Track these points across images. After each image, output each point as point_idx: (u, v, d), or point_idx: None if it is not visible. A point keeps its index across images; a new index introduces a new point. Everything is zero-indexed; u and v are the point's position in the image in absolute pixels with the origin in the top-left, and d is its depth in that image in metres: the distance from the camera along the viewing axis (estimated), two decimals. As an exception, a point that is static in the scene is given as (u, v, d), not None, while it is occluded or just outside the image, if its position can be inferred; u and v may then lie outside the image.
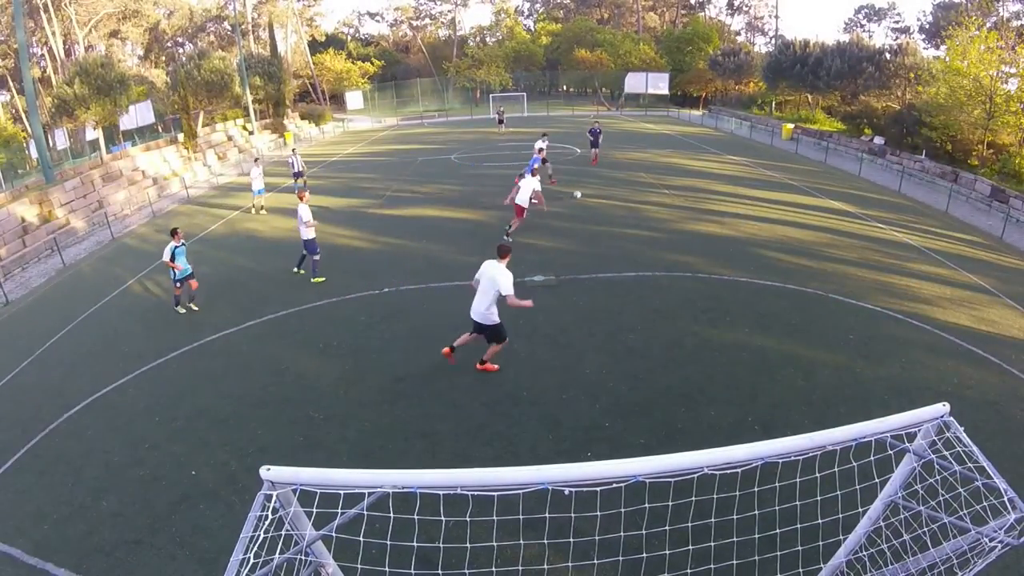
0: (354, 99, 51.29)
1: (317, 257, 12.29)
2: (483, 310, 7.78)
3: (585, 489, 2.39)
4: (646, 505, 2.72)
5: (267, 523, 2.68)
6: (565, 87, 62.84)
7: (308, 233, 12.00)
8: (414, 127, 45.15)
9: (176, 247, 10.82)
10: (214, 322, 10.67)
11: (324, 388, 8.30)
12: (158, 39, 54.03)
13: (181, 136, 30.39)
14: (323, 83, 56.45)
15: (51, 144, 26.22)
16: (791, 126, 32.26)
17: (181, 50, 55.36)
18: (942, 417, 3.05)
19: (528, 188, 13.88)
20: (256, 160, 20.03)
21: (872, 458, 3.13)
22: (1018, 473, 5.89)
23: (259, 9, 55.79)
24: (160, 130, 33.29)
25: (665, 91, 48.39)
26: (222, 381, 8.70)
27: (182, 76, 31.06)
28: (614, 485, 2.39)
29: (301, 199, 12.15)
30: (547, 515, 2.54)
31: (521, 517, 2.51)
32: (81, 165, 24.65)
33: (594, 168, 22.90)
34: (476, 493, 2.31)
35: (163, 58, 54.20)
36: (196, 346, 9.85)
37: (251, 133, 36.74)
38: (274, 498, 2.73)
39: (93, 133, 27.63)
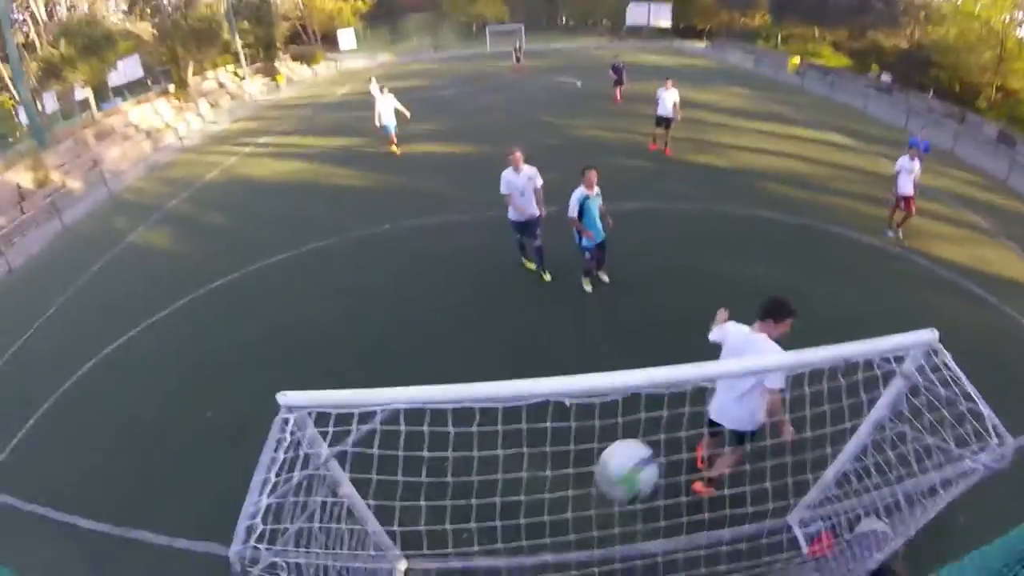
0: (346, 38, 49.42)
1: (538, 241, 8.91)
2: (739, 411, 4.48)
3: (584, 401, 2.54)
4: (642, 415, 2.88)
5: (285, 445, 2.85)
6: (564, 19, 60.70)
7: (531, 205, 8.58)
8: (409, 64, 43.95)
9: (588, 197, 7.69)
10: (218, 268, 10.76)
11: (330, 328, 8.48)
12: (142, -12, 52.14)
13: (172, 87, 29.82)
14: (313, 24, 54.71)
15: (41, 108, 25.80)
16: (797, 59, 31.18)
17: (166, 0, 53.52)
18: (930, 342, 3.15)
19: (908, 175, 10.14)
20: (382, 88, 16.83)
21: (860, 377, 3.25)
22: (1002, 405, 6.06)
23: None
24: (150, 83, 32.63)
25: (668, 23, 46.68)
26: (229, 327, 8.89)
27: (169, 27, 30.23)
28: (610, 398, 2.54)
29: (514, 160, 8.30)
30: (548, 424, 2.70)
31: (524, 426, 2.67)
32: (73, 126, 24.31)
33: (601, 101, 22.28)
34: (482, 406, 2.47)
35: (148, 10, 52.46)
36: (201, 293, 9.99)
37: (242, 79, 35.99)
38: (291, 421, 2.88)
39: (82, 93, 27.13)
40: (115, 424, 7.18)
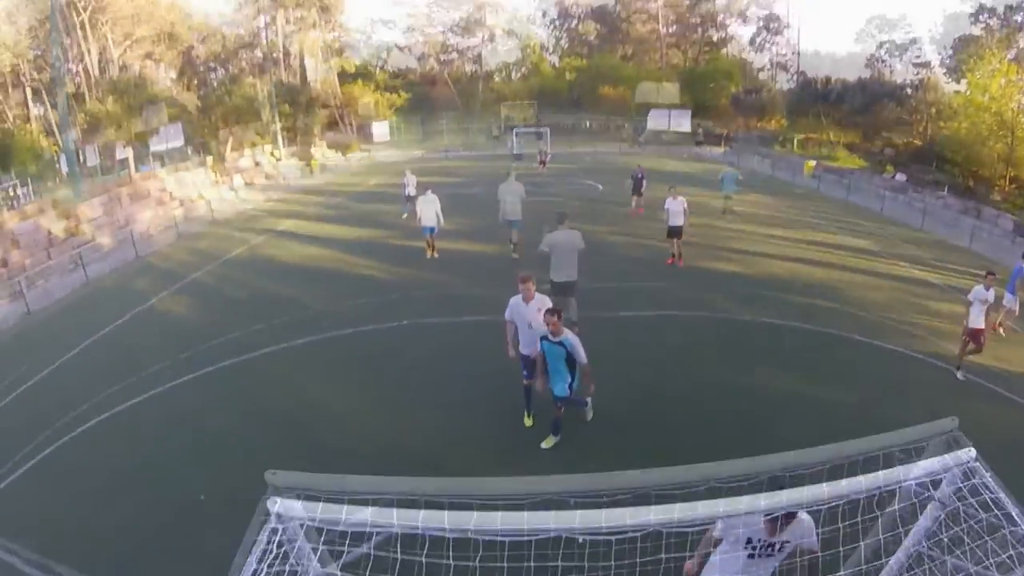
0: (380, 131, 52.11)
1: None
2: None
3: (600, 537, 2.32)
4: (662, 556, 2.63)
5: (271, 557, 2.64)
6: (588, 123, 63.31)
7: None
8: (439, 160, 45.58)
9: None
10: (232, 346, 10.73)
11: (337, 418, 8.29)
12: (191, 63, 55.80)
13: (209, 160, 31.14)
14: (351, 114, 57.63)
15: (82, 160, 27.00)
16: (813, 163, 32.08)
17: (213, 75, 57.10)
18: (968, 463, 2.94)
19: (982, 306, 8.80)
20: (427, 189, 15.86)
21: (897, 507, 3.01)
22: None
23: (291, 39, 57.48)
24: (189, 152, 34.24)
25: (687, 128, 48.47)
26: (237, 405, 8.73)
27: (213, 100, 32.02)
28: (629, 534, 2.32)
29: (526, 288, 7.21)
30: (559, 564, 2.47)
31: (532, 564, 2.43)
32: (110, 183, 25.31)
33: (621, 205, 22.21)
34: (486, 539, 2.26)
35: (195, 82, 55.92)
36: (214, 369, 9.90)
37: (278, 160, 37.54)
38: (280, 531, 2.69)
39: (123, 152, 28.50)
40: (107, 485, 6.97)
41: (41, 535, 6.11)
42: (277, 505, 2.63)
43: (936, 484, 3.02)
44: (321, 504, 2.59)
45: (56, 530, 6.20)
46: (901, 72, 53.55)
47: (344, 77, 60.70)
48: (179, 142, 31.55)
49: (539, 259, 10.12)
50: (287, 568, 2.68)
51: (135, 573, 5.60)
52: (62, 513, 6.51)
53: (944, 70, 48.30)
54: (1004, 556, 2.85)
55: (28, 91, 43.39)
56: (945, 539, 3.19)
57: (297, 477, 2.64)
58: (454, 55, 71.15)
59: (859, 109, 32.49)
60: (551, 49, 73.07)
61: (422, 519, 2.34)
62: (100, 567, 5.64)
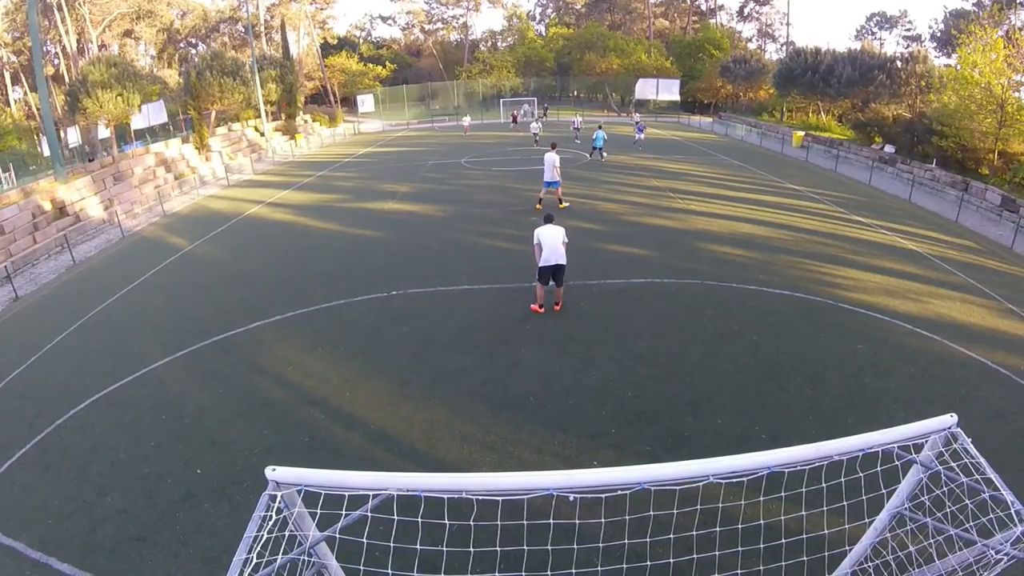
0: (365, 102, 51.77)
1: None
2: None
3: (590, 496, 2.38)
4: (651, 513, 2.70)
5: (271, 523, 2.69)
6: (575, 92, 62.98)
7: None
8: (425, 130, 45.31)
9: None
10: (222, 322, 10.71)
11: (330, 390, 8.31)
12: (172, 39, 54.56)
13: (193, 136, 30.66)
14: (335, 86, 56.84)
15: (63, 142, 26.47)
16: (801, 134, 32.12)
17: (194, 51, 55.93)
18: (950, 428, 3.02)
19: None
20: (553, 146, 17.39)
21: (879, 468, 3.10)
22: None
23: (272, 11, 56.25)
24: (171, 129, 33.61)
25: (676, 97, 48.29)
26: (229, 381, 8.73)
27: (194, 76, 31.36)
28: (619, 492, 2.38)
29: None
30: (551, 521, 2.53)
31: (525, 522, 2.50)
32: (92, 163, 24.89)
33: (604, 173, 22.82)
34: (480, 498, 2.31)
35: (176, 58, 54.77)
36: (203, 345, 9.89)
37: (262, 134, 37.00)
38: (278, 498, 2.74)
39: (105, 132, 27.93)
40: (104, 466, 6.96)
41: (39, 526, 6.07)
42: (275, 472, 2.67)
43: (918, 448, 3.10)
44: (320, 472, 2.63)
45: (53, 518, 6.18)
46: (891, 45, 53.49)
47: (327, 49, 59.72)
48: (162, 119, 30.97)
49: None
50: (286, 534, 2.74)
51: (137, 559, 5.55)
52: (60, 500, 6.46)
53: (935, 44, 48.21)
54: (984, 519, 2.94)
55: (7, 75, 42.34)
56: (926, 502, 3.29)
57: (297, 473, 2.66)
58: (439, 24, 70.12)
59: (849, 80, 32.33)
60: (537, 18, 72.15)
61: (418, 482, 2.40)
62: (101, 557, 5.59)
